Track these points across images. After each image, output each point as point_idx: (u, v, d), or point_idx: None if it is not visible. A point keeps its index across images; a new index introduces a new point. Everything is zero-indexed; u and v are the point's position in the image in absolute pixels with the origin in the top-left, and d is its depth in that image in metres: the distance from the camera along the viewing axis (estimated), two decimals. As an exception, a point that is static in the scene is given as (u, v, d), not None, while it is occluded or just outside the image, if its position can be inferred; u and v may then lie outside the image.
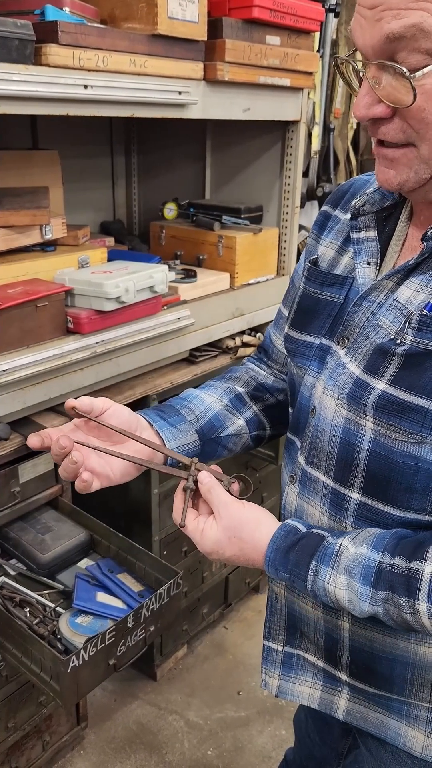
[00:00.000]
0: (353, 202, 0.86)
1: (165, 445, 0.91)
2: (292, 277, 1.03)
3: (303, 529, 0.81)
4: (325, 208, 0.96)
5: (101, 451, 0.85)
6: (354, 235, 0.85)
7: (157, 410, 0.96)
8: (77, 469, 0.83)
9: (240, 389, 1.04)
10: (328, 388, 0.82)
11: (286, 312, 1.04)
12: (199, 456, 0.96)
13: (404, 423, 0.73)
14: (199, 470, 0.86)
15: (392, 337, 0.76)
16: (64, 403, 0.85)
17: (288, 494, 0.92)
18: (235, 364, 1.12)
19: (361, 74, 0.71)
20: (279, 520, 0.86)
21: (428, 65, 0.65)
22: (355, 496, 0.80)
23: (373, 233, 0.84)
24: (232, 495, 0.85)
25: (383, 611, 0.74)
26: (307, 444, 0.86)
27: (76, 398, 0.87)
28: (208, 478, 0.85)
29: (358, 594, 0.74)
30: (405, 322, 0.75)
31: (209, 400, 1.00)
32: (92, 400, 0.86)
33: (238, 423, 1.00)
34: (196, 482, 0.85)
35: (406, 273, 0.78)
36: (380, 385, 0.75)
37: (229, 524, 0.81)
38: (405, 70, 0.65)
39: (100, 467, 0.86)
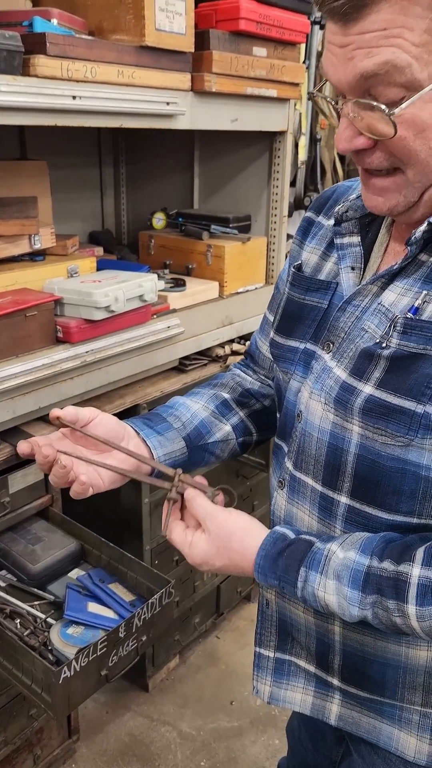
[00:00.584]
0: (336, 208, 0.87)
1: (152, 454, 0.92)
2: (277, 283, 1.04)
3: (292, 535, 0.82)
4: (308, 214, 0.97)
5: (85, 461, 0.86)
6: (338, 241, 0.86)
7: (143, 419, 0.97)
8: (67, 473, 0.84)
9: (226, 395, 1.04)
10: (314, 392, 0.83)
11: (271, 317, 1.05)
12: (187, 463, 0.97)
13: (391, 426, 0.74)
14: (183, 482, 0.87)
15: (377, 340, 0.77)
16: (53, 419, 0.86)
17: (277, 499, 0.92)
18: (225, 372, 1.13)
19: (339, 109, 0.70)
20: (268, 527, 0.87)
21: (404, 97, 0.64)
22: (343, 500, 0.81)
23: (356, 239, 0.85)
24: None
25: (372, 615, 0.74)
26: (294, 449, 0.87)
27: (62, 408, 0.87)
28: (191, 491, 0.86)
29: (347, 598, 0.74)
30: (390, 326, 0.76)
31: (195, 407, 1.00)
32: (78, 410, 0.87)
33: (224, 429, 1.01)
34: (181, 493, 0.86)
35: (390, 278, 0.79)
36: (367, 389, 0.76)
37: (217, 534, 0.82)
38: (383, 107, 0.65)
39: (88, 474, 0.86)
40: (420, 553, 0.72)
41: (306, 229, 0.96)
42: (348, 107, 0.68)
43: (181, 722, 1.99)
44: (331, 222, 0.89)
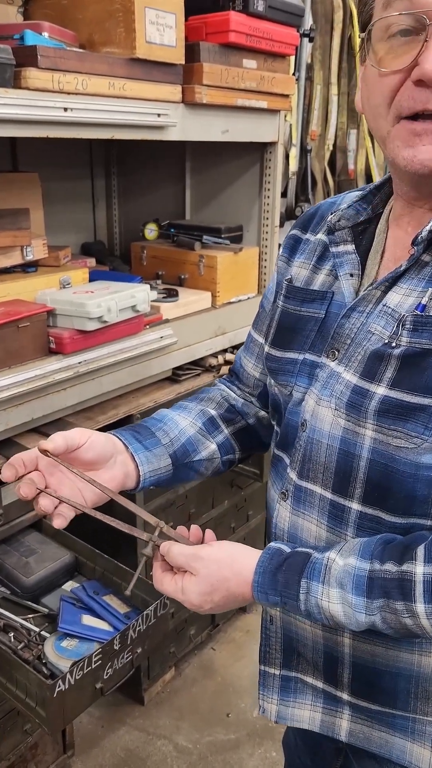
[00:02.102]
0: (328, 218, 0.88)
1: (139, 469, 0.91)
2: (262, 302, 1.05)
3: (287, 549, 0.80)
4: (293, 231, 0.98)
5: (65, 501, 0.85)
6: (333, 249, 0.87)
7: (132, 431, 0.95)
8: (46, 513, 0.84)
9: (213, 412, 1.04)
10: (323, 399, 0.82)
11: (257, 336, 1.05)
12: (171, 480, 0.96)
13: (408, 425, 0.73)
14: (165, 534, 0.85)
15: (386, 341, 0.77)
16: (47, 423, 0.85)
17: (279, 512, 0.90)
18: (211, 387, 1.12)
19: (426, 32, 0.68)
20: (266, 540, 0.85)
21: None
22: (355, 506, 0.80)
23: (351, 247, 0.86)
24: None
25: (381, 620, 0.72)
26: (298, 458, 0.86)
27: (57, 419, 0.86)
28: (165, 543, 0.83)
29: (352, 606, 0.73)
30: (398, 325, 0.76)
31: (183, 424, 0.99)
32: (66, 437, 0.84)
33: (210, 448, 1.01)
34: (158, 545, 0.84)
35: (393, 281, 0.79)
36: (380, 390, 0.76)
37: (207, 573, 0.79)
38: None
39: (72, 493, 0.86)
40: (421, 550, 0.72)
41: (293, 247, 0.97)
42: None
43: (177, 735, 1.97)
44: (319, 237, 0.91)
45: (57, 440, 0.83)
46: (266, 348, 0.95)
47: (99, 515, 0.86)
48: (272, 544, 0.82)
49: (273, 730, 1.99)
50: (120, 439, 0.92)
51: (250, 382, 1.07)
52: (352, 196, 0.90)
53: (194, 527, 0.88)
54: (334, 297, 0.86)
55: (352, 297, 0.83)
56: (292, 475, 0.88)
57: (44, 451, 0.83)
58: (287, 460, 0.90)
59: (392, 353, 0.76)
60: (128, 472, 0.91)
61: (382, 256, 0.85)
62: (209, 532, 0.86)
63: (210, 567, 0.79)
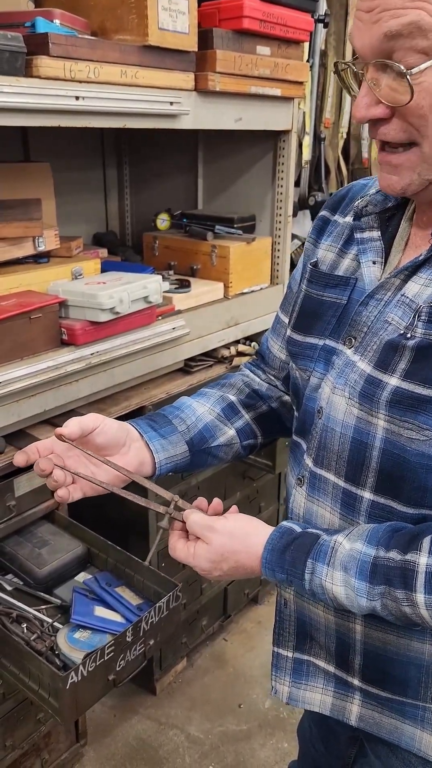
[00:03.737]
0: (356, 203, 0.87)
1: (154, 457, 0.92)
2: (290, 283, 1.04)
3: (298, 529, 0.82)
4: (323, 213, 0.97)
5: (82, 477, 0.87)
6: (358, 235, 0.86)
7: (148, 420, 0.97)
8: (59, 486, 0.86)
9: (232, 398, 1.04)
10: (337, 387, 0.82)
11: (284, 317, 1.04)
12: (189, 465, 0.98)
13: (420, 417, 0.73)
14: (180, 508, 0.88)
15: (402, 332, 0.77)
16: (59, 415, 0.87)
17: (296, 497, 0.91)
18: (234, 372, 1.12)
19: (360, 76, 0.72)
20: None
21: (424, 63, 0.66)
22: (367, 495, 0.80)
23: (376, 233, 0.85)
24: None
25: (381, 606, 0.74)
26: (314, 445, 0.86)
27: (70, 410, 0.88)
28: (187, 511, 0.86)
29: (354, 590, 0.74)
30: (414, 316, 0.76)
31: (201, 410, 1.00)
32: (80, 422, 0.87)
33: (228, 433, 1.01)
34: (176, 519, 0.87)
35: (413, 269, 0.79)
36: (393, 381, 0.75)
37: (220, 542, 0.82)
38: (402, 67, 0.66)
39: (84, 474, 0.88)
40: (427, 542, 0.72)
41: (321, 228, 0.96)
42: (369, 72, 0.70)
43: (189, 726, 1.98)
44: (348, 219, 0.90)
45: (72, 425, 0.86)
46: (288, 331, 0.95)
47: (116, 490, 0.88)
48: (284, 522, 0.84)
49: (284, 721, 1.99)
50: (135, 428, 0.93)
51: (275, 364, 1.07)
52: None
53: (216, 500, 0.89)
54: (357, 283, 0.85)
55: (372, 285, 0.82)
56: (308, 461, 0.88)
57: (60, 436, 0.86)
58: (304, 446, 0.90)
59: (407, 344, 0.75)
60: (144, 460, 0.92)
61: (406, 244, 0.84)
62: (233, 508, 0.88)
63: (222, 538, 0.82)
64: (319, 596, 0.78)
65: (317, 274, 0.91)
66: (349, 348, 0.82)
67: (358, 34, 0.69)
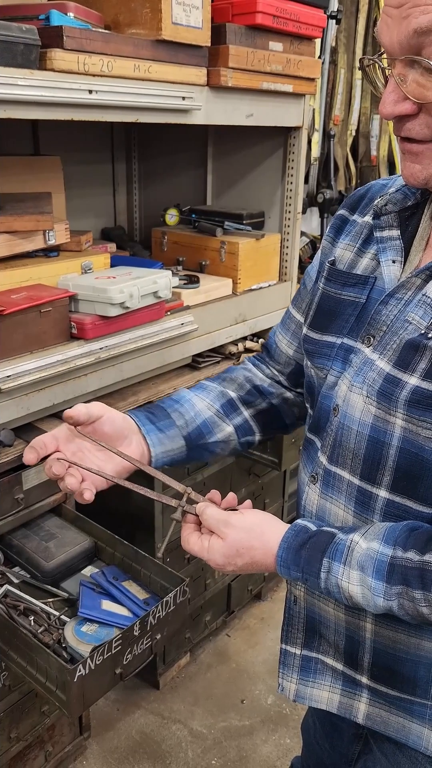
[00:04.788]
0: (376, 201, 0.87)
1: (150, 451, 0.93)
2: (304, 280, 1.04)
3: (313, 527, 0.81)
4: (341, 212, 0.97)
5: (94, 472, 0.87)
6: (377, 234, 0.86)
7: (147, 412, 0.97)
8: (71, 490, 0.87)
9: (232, 394, 1.04)
10: (355, 385, 0.82)
11: (295, 313, 1.05)
12: (185, 460, 0.98)
13: None
14: (193, 501, 0.88)
15: (423, 331, 0.76)
16: (67, 409, 0.88)
17: (308, 494, 0.91)
18: (237, 365, 1.12)
19: (388, 72, 0.71)
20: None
21: None
22: (382, 494, 0.80)
23: (396, 232, 0.85)
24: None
25: (398, 606, 0.74)
26: (329, 443, 0.86)
27: (73, 406, 0.89)
28: (201, 504, 0.87)
29: (371, 589, 0.74)
30: None
31: (200, 406, 1.00)
32: (88, 408, 0.88)
33: (226, 430, 1.01)
34: (188, 512, 0.87)
35: None
36: (412, 380, 0.75)
37: (235, 538, 0.82)
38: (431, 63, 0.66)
39: (97, 464, 0.89)
40: None
41: (339, 227, 0.95)
42: (397, 68, 0.69)
43: (191, 720, 1.98)
44: (366, 219, 0.90)
45: (80, 409, 0.88)
46: (304, 329, 0.94)
47: (128, 484, 0.88)
48: (299, 521, 0.84)
49: (287, 717, 1.99)
50: (134, 420, 0.94)
51: (281, 359, 1.07)
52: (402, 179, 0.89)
53: (231, 495, 0.90)
54: (376, 282, 0.85)
55: (392, 284, 0.82)
56: (323, 459, 0.88)
57: (69, 419, 0.87)
58: (318, 444, 0.90)
59: (427, 344, 0.75)
60: (143, 452, 0.93)
61: (427, 243, 0.83)
62: (248, 503, 0.89)
63: (239, 534, 0.82)
64: (335, 595, 0.78)
65: (335, 273, 0.91)
66: (368, 347, 0.82)
67: (387, 29, 0.69)
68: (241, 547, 0.82)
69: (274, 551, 0.81)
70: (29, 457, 0.87)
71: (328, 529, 0.81)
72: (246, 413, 1.04)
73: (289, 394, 1.07)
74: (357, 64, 3.14)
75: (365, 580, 0.74)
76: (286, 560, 0.80)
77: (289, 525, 0.83)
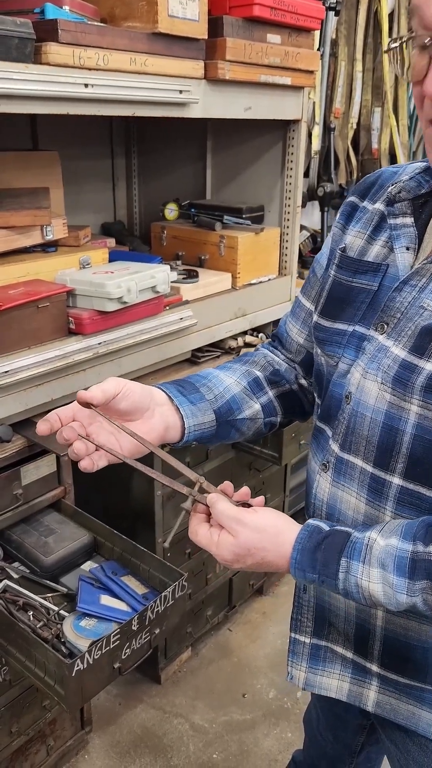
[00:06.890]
0: (388, 189, 0.86)
1: (184, 422, 0.89)
2: (314, 267, 1.03)
3: (326, 527, 0.80)
4: (351, 199, 0.96)
5: (106, 450, 0.84)
6: (391, 221, 0.85)
7: (177, 385, 0.94)
8: (81, 457, 0.83)
9: (258, 373, 1.03)
10: (369, 372, 0.82)
11: (305, 302, 1.04)
12: (213, 437, 0.95)
13: None
14: (205, 491, 0.84)
15: None
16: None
17: (320, 483, 0.90)
18: (251, 351, 1.11)
19: (428, 49, 0.70)
20: (306, 510, 0.86)
21: None
22: (396, 481, 0.79)
23: (410, 219, 0.84)
24: (239, 504, 0.83)
25: (422, 601, 0.73)
26: (341, 431, 0.86)
27: (86, 388, 0.84)
28: (213, 495, 0.83)
29: (393, 586, 0.73)
30: None
31: (228, 381, 0.98)
32: (103, 389, 0.83)
33: (254, 407, 0.99)
34: (200, 502, 0.84)
35: None
36: (429, 366, 0.75)
37: (246, 537, 0.79)
38: None
39: (109, 444, 0.85)
40: None
41: (349, 214, 0.95)
42: None
43: (193, 714, 1.99)
44: (378, 206, 0.89)
45: (95, 391, 0.82)
46: (315, 317, 0.94)
47: (138, 465, 0.84)
48: (311, 521, 0.82)
49: (289, 711, 2.00)
50: (164, 391, 0.91)
51: (293, 347, 1.06)
52: (414, 167, 0.88)
53: (245, 489, 0.87)
54: (389, 270, 0.85)
55: (406, 271, 0.82)
56: (334, 447, 0.87)
57: (85, 403, 0.82)
58: (329, 432, 0.89)
59: None
60: (170, 425, 0.89)
61: None
62: (260, 499, 0.86)
63: (251, 533, 0.79)
64: (353, 595, 0.76)
65: (347, 260, 0.90)
66: (381, 333, 0.81)
67: (428, 5, 0.67)
68: (253, 547, 0.79)
69: (287, 554, 0.79)
70: (42, 428, 0.83)
71: (342, 528, 0.79)
72: (271, 393, 1.03)
73: (303, 381, 1.06)
74: (358, 57, 3.12)
75: (387, 577, 0.73)
76: (301, 562, 0.78)
77: (301, 526, 0.81)
